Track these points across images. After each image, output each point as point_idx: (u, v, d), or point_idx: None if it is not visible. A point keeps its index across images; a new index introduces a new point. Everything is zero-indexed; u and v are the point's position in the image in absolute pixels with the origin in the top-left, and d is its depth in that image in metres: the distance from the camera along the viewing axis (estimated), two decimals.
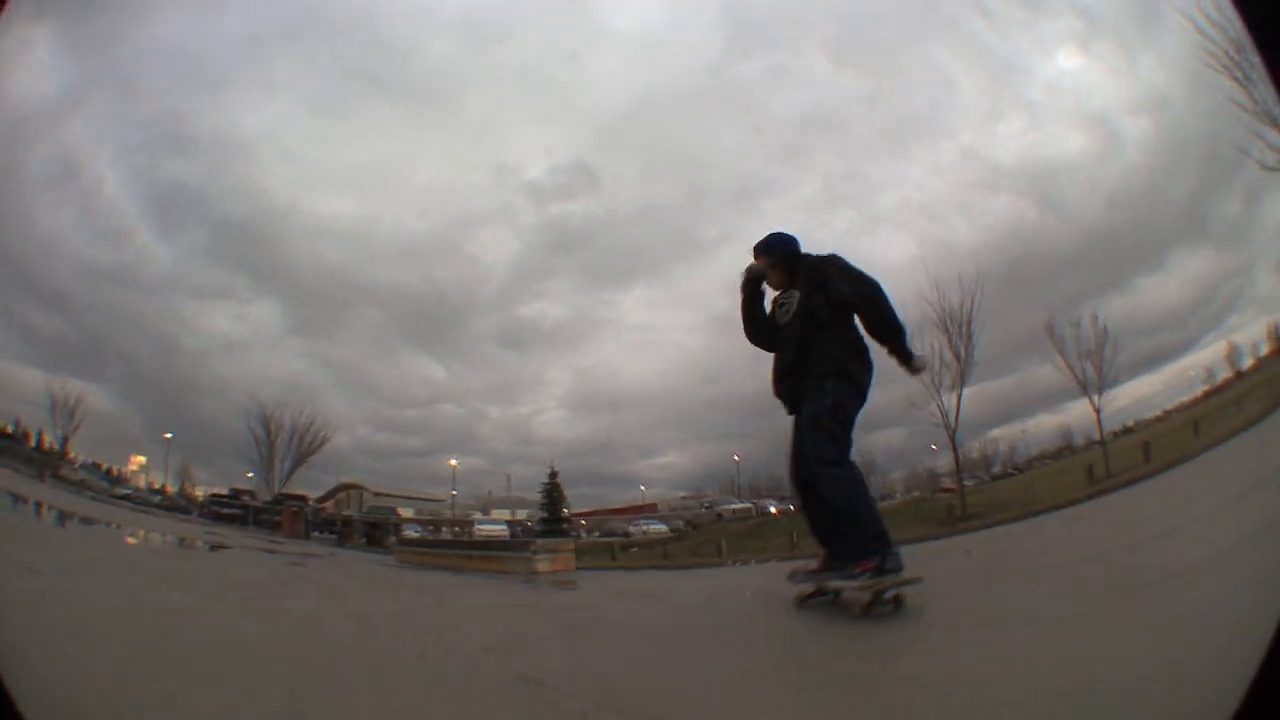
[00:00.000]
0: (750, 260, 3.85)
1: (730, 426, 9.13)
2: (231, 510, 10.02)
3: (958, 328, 6.73)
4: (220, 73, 11.23)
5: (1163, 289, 6.05)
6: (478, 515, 10.07)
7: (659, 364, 10.20)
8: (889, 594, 3.00)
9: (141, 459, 9.86)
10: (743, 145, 10.05)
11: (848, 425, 3.32)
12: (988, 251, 7.49)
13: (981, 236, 7.71)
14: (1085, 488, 5.80)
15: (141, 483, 10.04)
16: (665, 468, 9.67)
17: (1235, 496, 3.34)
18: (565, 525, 9.12)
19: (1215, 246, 5.30)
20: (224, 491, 9.98)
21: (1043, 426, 7.36)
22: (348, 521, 10.35)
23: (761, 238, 3.83)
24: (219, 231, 11.35)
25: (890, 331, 3.48)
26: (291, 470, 9.91)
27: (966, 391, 7.02)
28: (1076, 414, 6.64)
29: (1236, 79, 4.04)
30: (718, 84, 10.31)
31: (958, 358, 6.70)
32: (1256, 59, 1.57)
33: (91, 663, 1.72)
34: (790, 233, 3.81)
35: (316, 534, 10.21)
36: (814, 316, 3.47)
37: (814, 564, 3.39)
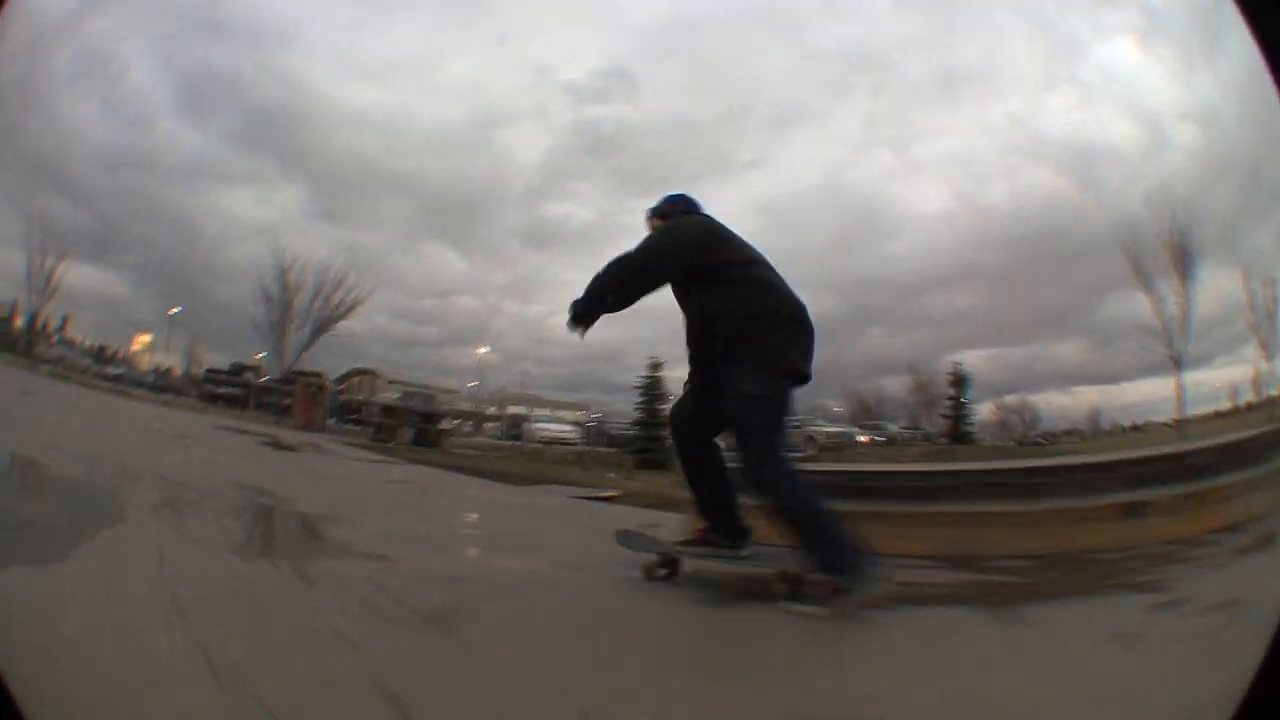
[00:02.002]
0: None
1: None
2: (230, 389, 9.27)
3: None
4: None
5: (1185, 299, 6.23)
6: (536, 412, 9.87)
7: None
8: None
9: (146, 338, 9.58)
10: (787, 72, 9.82)
11: (779, 411, 2.87)
12: (1022, 218, 7.67)
13: (1018, 204, 7.83)
14: None
15: (145, 363, 9.80)
16: (676, 382, 9.89)
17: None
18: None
19: (1244, 272, 5.42)
20: (223, 367, 9.40)
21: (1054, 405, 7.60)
22: (391, 411, 8.91)
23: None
24: (248, 118, 11.00)
25: None
26: (311, 340, 9.11)
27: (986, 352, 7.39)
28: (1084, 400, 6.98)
29: None
30: (769, 6, 10.02)
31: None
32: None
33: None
34: (690, 196, 3.36)
35: (335, 423, 9.16)
36: None
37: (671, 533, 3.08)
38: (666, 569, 2.97)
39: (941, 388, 7.77)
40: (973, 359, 7.82)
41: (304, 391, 8.85)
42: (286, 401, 8.95)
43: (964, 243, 8.12)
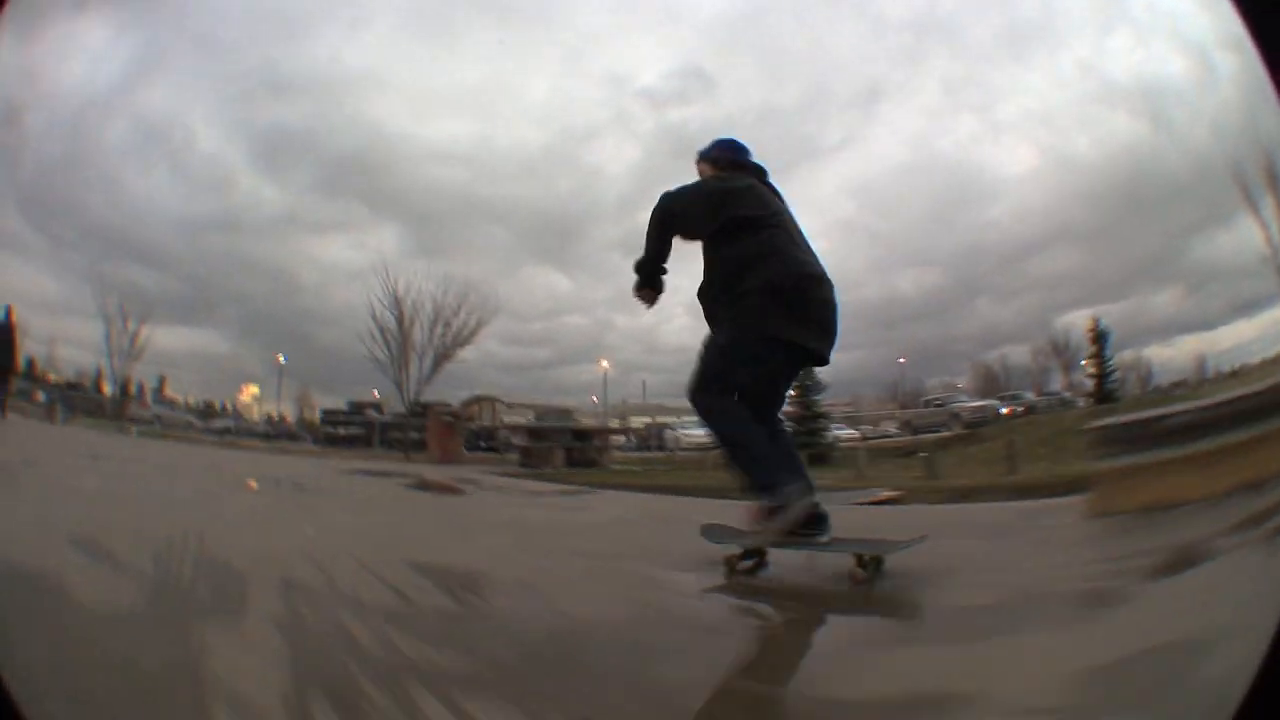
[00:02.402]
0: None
1: (856, 335, 9.17)
2: (351, 429, 9.32)
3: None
4: (305, 13, 10.59)
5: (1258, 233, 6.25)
6: (671, 421, 9.75)
7: None
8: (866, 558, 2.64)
9: (254, 389, 9.76)
10: (859, 48, 9.68)
11: (735, 365, 2.92)
12: (1106, 168, 7.46)
13: (1100, 153, 7.60)
14: None
15: (255, 413, 9.91)
16: (828, 370, 9.79)
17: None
18: (821, 426, 7.65)
19: None
20: (339, 407, 9.48)
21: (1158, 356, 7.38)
22: (538, 433, 8.47)
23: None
24: (329, 167, 11.13)
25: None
26: (433, 371, 9.08)
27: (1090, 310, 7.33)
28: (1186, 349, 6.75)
29: None
30: None
31: None
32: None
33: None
34: (739, 141, 3.41)
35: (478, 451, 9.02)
36: None
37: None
38: (752, 560, 2.93)
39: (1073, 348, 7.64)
40: (1079, 319, 7.70)
41: (439, 423, 8.68)
42: (417, 435, 8.87)
43: (1055, 201, 7.98)
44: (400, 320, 9.18)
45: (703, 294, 3.10)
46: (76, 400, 9.67)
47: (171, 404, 10.05)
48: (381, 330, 9.08)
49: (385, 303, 9.04)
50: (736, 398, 2.90)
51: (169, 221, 10.44)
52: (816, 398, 7.57)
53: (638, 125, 10.83)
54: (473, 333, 9.13)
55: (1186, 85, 6.52)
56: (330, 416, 9.55)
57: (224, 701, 1.61)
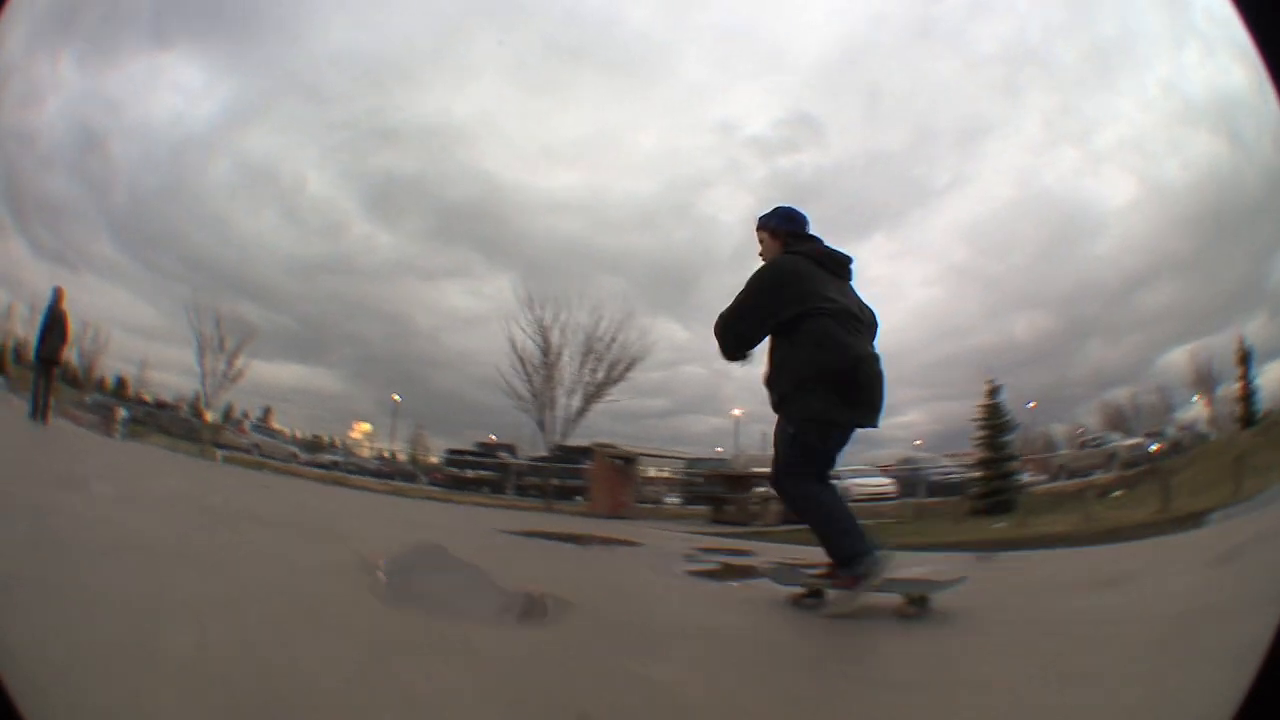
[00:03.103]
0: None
1: (969, 384, 8.92)
2: (481, 470, 8.90)
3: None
4: (414, 65, 10.90)
5: None
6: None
7: (899, 318, 10.11)
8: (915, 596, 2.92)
9: (366, 426, 9.60)
10: (957, 84, 9.76)
11: (797, 453, 3.17)
12: (1197, 192, 7.18)
13: (1190, 176, 7.32)
14: None
15: (366, 451, 9.84)
16: (904, 427, 9.63)
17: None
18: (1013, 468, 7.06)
19: None
20: (466, 446, 9.00)
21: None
22: (738, 482, 7.21)
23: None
24: (444, 215, 11.16)
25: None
26: (585, 407, 8.69)
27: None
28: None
29: None
30: (921, 19, 10.09)
31: None
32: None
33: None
34: (798, 210, 3.53)
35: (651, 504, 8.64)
36: None
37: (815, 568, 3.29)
38: (814, 598, 3.23)
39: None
40: (1179, 356, 7.42)
41: (607, 468, 7.50)
42: (560, 482, 8.16)
43: (1155, 230, 7.76)
44: (546, 351, 8.84)
45: (769, 382, 3.31)
46: (162, 420, 9.37)
47: (274, 433, 9.82)
48: (522, 362, 8.71)
49: (529, 330, 8.70)
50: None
51: (279, 261, 10.41)
52: (1006, 439, 7.09)
53: (749, 174, 10.87)
54: (627, 368, 8.88)
55: (1247, 95, 6.05)
56: (456, 457, 9.05)
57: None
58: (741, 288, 3.28)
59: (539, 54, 11.05)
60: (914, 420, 9.57)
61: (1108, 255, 8.38)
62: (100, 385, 9.69)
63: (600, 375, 8.88)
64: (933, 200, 10.01)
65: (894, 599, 2.87)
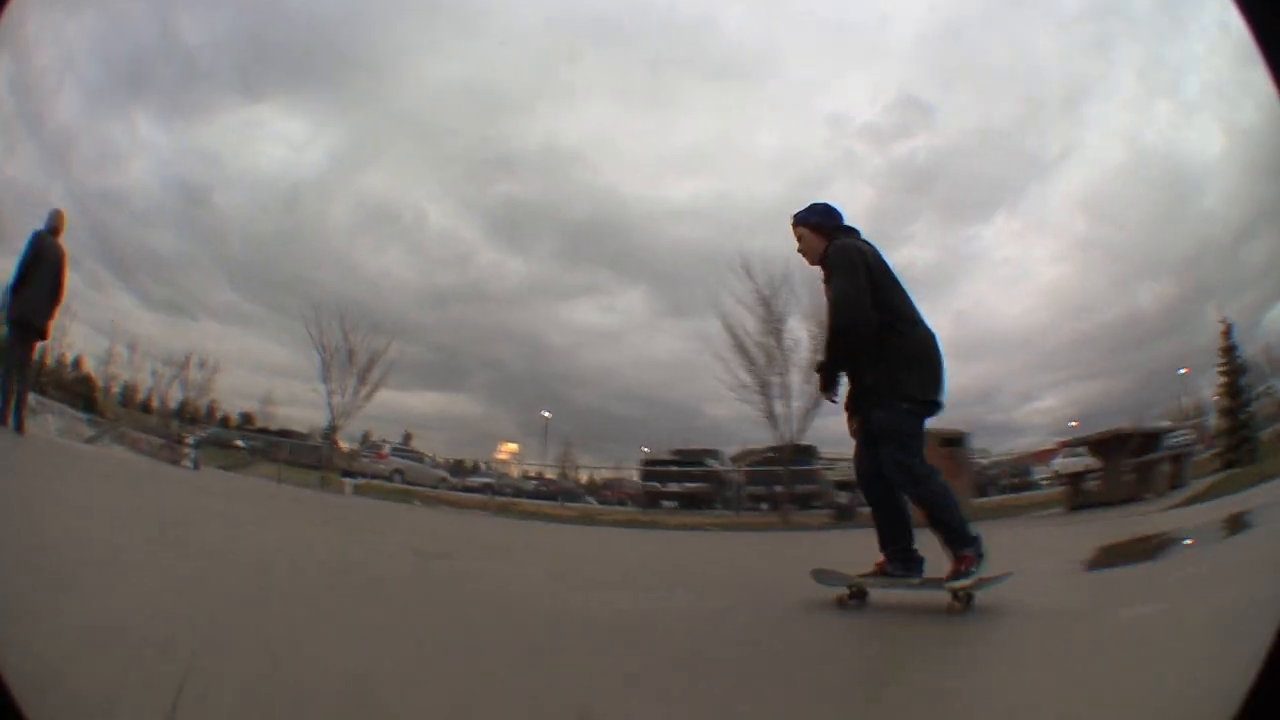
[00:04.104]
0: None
1: (1100, 364, 8.61)
2: (683, 482, 7.60)
3: None
4: (520, 93, 10.88)
5: None
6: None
7: (1032, 300, 9.73)
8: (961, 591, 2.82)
9: (513, 446, 9.36)
10: (1052, 47, 9.57)
11: (919, 437, 3.12)
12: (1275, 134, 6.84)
13: (1265, 118, 6.59)
14: None
15: (514, 472, 9.45)
16: (1044, 412, 9.10)
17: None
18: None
19: None
20: (661, 455, 7.97)
21: None
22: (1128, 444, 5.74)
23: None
24: (569, 235, 11.14)
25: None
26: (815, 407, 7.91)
27: None
28: None
29: None
30: None
31: None
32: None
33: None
34: (834, 205, 3.42)
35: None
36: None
37: (866, 568, 3.17)
38: (857, 599, 3.16)
39: None
40: None
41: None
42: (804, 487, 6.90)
43: (1249, 178, 7.10)
44: (778, 332, 8.00)
45: (866, 367, 3.17)
46: (287, 450, 8.77)
47: (418, 455, 9.25)
48: (739, 341, 7.70)
49: (748, 301, 7.83)
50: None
51: (410, 294, 10.23)
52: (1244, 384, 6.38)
53: (866, 164, 10.59)
54: None
55: None
56: (654, 468, 7.97)
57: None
58: (837, 275, 3.13)
59: (641, 69, 11.18)
60: (1052, 405, 9.14)
61: (1214, 210, 7.88)
62: (225, 420, 9.59)
63: None
64: (1048, 172, 9.66)
65: (943, 596, 2.81)
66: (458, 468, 8.91)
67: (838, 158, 10.92)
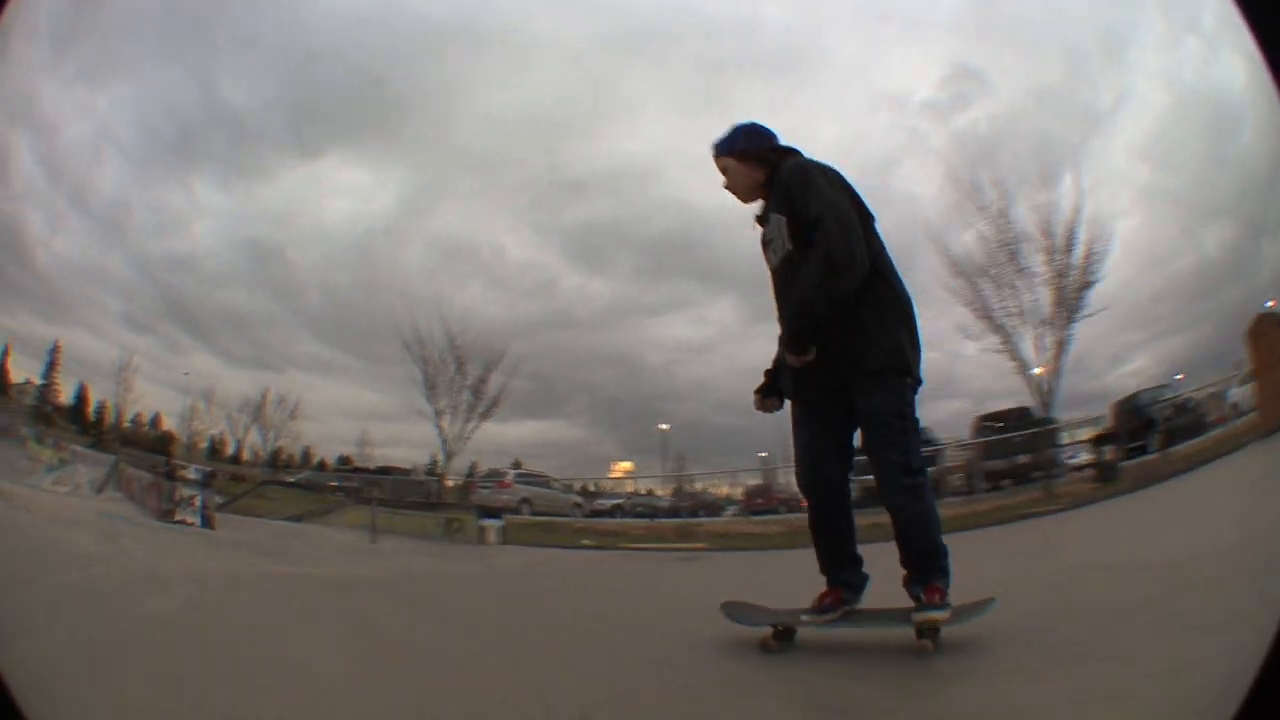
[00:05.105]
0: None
1: (1181, 317, 8.54)
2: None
3: None
4: (575, 115, 11.08)
5: None
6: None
7: (1114, 257, 9.42)
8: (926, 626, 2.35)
9: (628, 464, 9.64)
10: None
11: (919, 430, 2.56)
12: None
13: None
14: None
15: (630, 488, 9.68)
16: (1135, 375, 8.85)
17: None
18: None
19: None
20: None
21: None
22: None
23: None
24: (649, 252, 11.08)
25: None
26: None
27: None
28: None
29: None
30: None
31: None
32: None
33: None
34: (762, 124, 2.76)
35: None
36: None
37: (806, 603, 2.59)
38: (782, 640, 2.61)
39: None
40: None
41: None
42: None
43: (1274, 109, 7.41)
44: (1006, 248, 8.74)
45: (857, 335, 2.49)
46: (386, 486, 8.65)
47: (545, 480, 8.76)
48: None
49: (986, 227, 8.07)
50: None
51: (498, 327, 10.05)
52: None
53: (931, 140, 10.58)
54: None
55: None
56: (993, 432, 8.12)
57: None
58: (811, 195, 2.42)
59: (693, 76, 11.24)
60: (1141, 366, 8.93)
61: (1251, 145, 7.83)
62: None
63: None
64: (1104, 126, 9.64)
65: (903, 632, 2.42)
66: (582, 491, 8.41)
67: (903, 139, 10.92)
